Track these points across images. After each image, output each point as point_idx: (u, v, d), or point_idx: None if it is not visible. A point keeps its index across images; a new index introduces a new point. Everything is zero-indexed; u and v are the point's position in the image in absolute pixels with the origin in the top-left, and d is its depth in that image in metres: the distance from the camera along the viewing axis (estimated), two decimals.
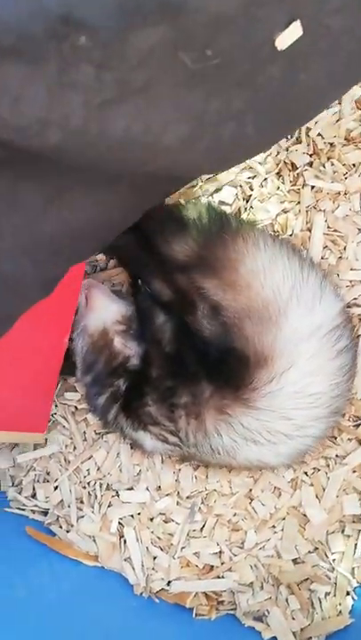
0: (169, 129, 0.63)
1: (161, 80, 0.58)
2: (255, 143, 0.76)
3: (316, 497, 1.16)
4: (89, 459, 1.22)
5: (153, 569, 1.16)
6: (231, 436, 1.04)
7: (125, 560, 1.16)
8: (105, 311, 1.18)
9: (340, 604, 1.14)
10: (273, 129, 0.75)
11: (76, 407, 1.26)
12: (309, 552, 1.16)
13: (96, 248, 0.87)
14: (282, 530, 1.17)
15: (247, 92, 0.64)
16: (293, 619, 1.14)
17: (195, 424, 1.07)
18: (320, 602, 1.15)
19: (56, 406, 1.26)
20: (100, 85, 0.56)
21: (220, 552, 1.17)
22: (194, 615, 1.14)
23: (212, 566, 1.17)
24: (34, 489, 1.23)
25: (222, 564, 1.17)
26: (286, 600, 1.16)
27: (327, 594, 1.15)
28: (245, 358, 1.05)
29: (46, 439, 1.25)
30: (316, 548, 1.16)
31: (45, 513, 1.22)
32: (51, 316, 1.05)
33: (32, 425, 1.15)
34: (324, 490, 1.16)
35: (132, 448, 1.21)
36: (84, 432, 1.24)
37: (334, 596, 1.14)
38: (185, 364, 1.11)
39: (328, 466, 1.17)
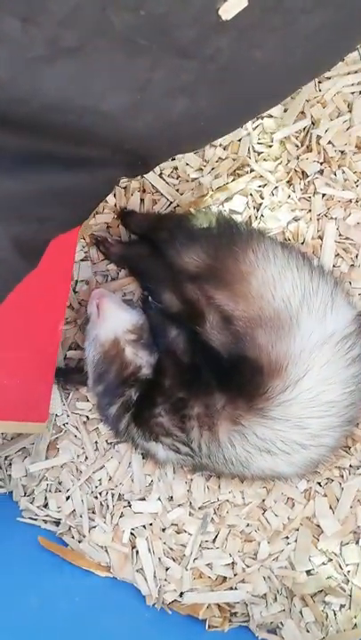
0: (108, 95, 0.63)
1: (95, 43, 0.58)
2: (213, 122, 0.75)
3: (330, 507, 1.15)
4: (101, 468, 1.22)
5: (165, 580, 1.15)
6: (245, 446, 1.04)
7: (138, 571, 1.16)
8: (116, 321, 1.18)
9: (355, 617, 1.12)
10: (231, 108, 0.75)
11: (87, 417, 1.26)
12: (323, 563, 1.15)
13: (68, 219, 0.85)
14: (295, 541, 1.16)
15: (195, 63, 0.64)
16: (308, 631, 1.13)
17: (208, 435, 1.06)
18: (335, 614, 1.14)
19: (68, 416, 1.26)
20: (28, 41, 0.56)
21: (233, 563, 1.16)
22: (207, 627, 1.13)
23: (225, 577, 1.16)
24: (46, 499, 1.23)
25: (235, 575, 1.16)
26: (300, 612, 1.15)
27: (342, 606, 1.14)
28: (259, 367, 1.04)
29: (58, 448, 1.25)
30: (330, 560, 1.15)
31: (57, 523, 1.22)
32: (44, 304, 1.06)
33: (33, 414, 1.14)
34: (337, 500, 1.15)
35: (143, 458, 1.21)
36: (96, 442, 1.24)
37: (349, 608, 1.13)
38: (198, 375, 1.11)
39: (342, 476, 1.16)
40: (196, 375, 1.12)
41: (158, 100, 0.67)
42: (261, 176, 1.26)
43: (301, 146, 1.25)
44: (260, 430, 1.03)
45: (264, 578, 1.16)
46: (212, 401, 1.07)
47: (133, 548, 1.17)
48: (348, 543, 1.14)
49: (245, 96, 0.74)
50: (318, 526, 1.15)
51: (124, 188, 1.32)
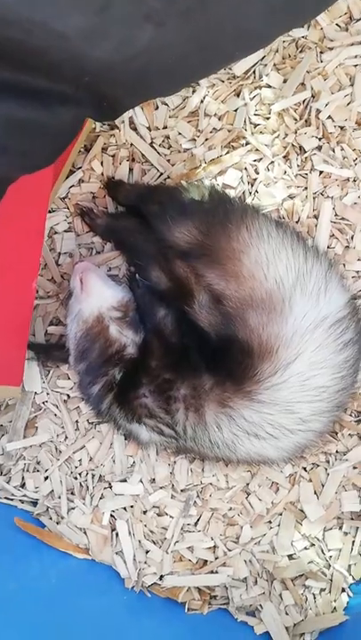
0: (61, 13, 0.60)
1: None
2: (183, 61, 0.71)
3: (315, 493, 1.14)
4: (81, 449, 1.18)
5: (145, 563, 1.13)
6: (232, 429, 1.01)
7: (117, 553, 1.13)
8: (101, 296, 1.13)
9: (334, 601, 1.12)
10: (203, 46, 0.70)
11: (68, 395, 1.21)
12: (305, 548, 1.14)
13: (28, 157, 0.80)
14: (278, 525, 1.15)
15: None
16: (287, 614, 1.13)
17: (194, 417, 1.03)
18: (314, 598, 1.14)
19: (47, 394, 1.21)
20: None
21: (215, 547, 1.15)
22: (186, 610, 1.12)
23: (206, 561, 1.14)
24: (23, 478, 1.19)
25: (216, 558, 1.14)
26: (280, 595, 1.14)
27: (322, 590, 1.13)
28: (249, 350, 1.01)
29: (37, 427, 1.20)
30: (313, 545, 1.14)
31: (35, 503, 1.18)
32: (15, 259, 1.00)
33: (6, 377, 1.09)
34: (322, 486, 1.14)
35: (126, 439, 1.17)
36: (77, 421, 1.20)
37: (329, 592, 1.13)
38: (186, 356, 1.07)
39: (328, 462, 1.15)
40: (184, 356, 1.08)
41: (120, 27, 0.63)
42: (257, 149, 1.21)
43: (300, 119, 1.20)
44: (248, 413, 1.00)
45: (245, 561, 1.14)
46: (200, 382, 1.04)
47: (113, 530, 1.14)
48: (331, 529, 1.14)
49: (219, 33, 0.70)
50: (302, 511, 1.14)
51: (113, 156, 1.25)
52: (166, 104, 1.24)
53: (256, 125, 1.21)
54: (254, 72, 1.22)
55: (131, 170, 1.24)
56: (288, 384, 0.99)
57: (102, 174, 1.25)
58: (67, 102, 0.77)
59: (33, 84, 0.70)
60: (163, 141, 1.25)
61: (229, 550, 1.14)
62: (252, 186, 1.21)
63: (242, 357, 1.02)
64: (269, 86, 1.21)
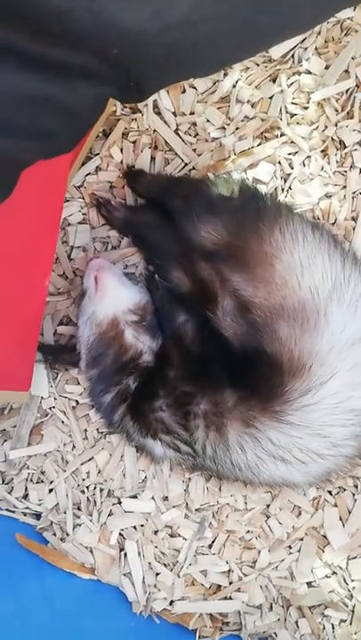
0: None
1: None
2: (217, 38, 0.62)
3: (340, 519, 1.06)
4: (89, 460, 1.10)
5: (155, 586, 1.05)
6: (257, 452, 0.92)
7: (125, 575, 1.06)
8: (116, 298, 1.04)
9: (355, 634, 1.05)
10: (240, 24, 0.62)
11: (77, 401, 1.13)
12: (327, 577, 1.07)
13: (43, 139, 0.72)
14: (298, 551, 1.07)
15: None
16: None
17: (215, 436, 0.94)
18: (333, 628, 1.06)
19: (55, 399, 1.13)
20: None
21: (230, 571, 1.07)
22: (197, 637, 1.04)
23: (220, 586, 1.07)
24: (26, 489, 1.11)
25: (231, 583, 1.07)
26: (296, 623, 1.07)
27: (342, 621, 1.06)
28: (278, 365, 0.92)
29: (43, 435, 1.12)
30: (335, 573, 1.07)
31: (38, 516, 1.10)
32: (27, 256, 0.92)
33: (15, 382, 1.02)
34: (349, 512, 1.06)
35: (138, 451, 1.09)
36: (85, 430, 1.12)
37: (350, 624, 1.05)
38: (207, 367, 0.98)
39: (356, 486, 1.06)
40: (205, 367, 0.99)
41: None
42: (293, 142, 1.10)
43: (342, 111, 1.09)
44: (276, 436, 0.91)
45: (261, 587, 1.07)
46: (222, 398, 0.95)
47: (121, 550, 1.07)
48: (355, 557, 1.06)
49: (271, 4, 0.60)
50: (325, 537, 1.06)
51: (133, 142, 1.15)
52: (195, 87, 1.13)
53: (293, 115, 1.10)
54: (293, 56, 1.10)
55: (153, 158, 1.14)
56: (321, 405, 0.90)
57: (121, 162, 1.15)
58: (89, 78, 0.68)
59: (51, 53, 0.61)
60: (189, 128, 1.14)
61: (245, 575, 1.06)
62: (285, 182, 1.10)
63: (270, 373, 0.93)
64: (309, 72, 1.09)
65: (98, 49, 0.63)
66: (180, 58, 0.67)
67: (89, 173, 1.15)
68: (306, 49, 1.09)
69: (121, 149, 1.15)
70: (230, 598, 1.06)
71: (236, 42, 0.69)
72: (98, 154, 1.15)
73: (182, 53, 0.66)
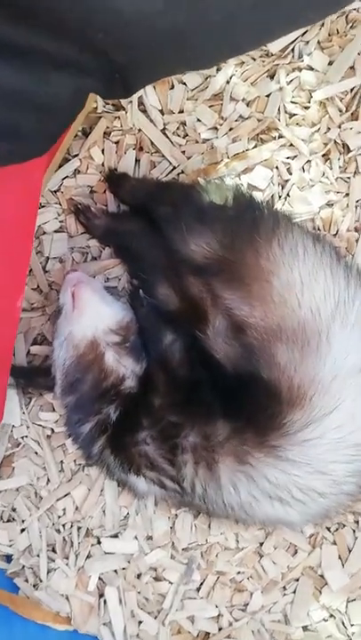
0: None
1: None
2: (232, 15, 0.53)
3: (339, 558, 0.98)
4: (65, 496, 1.00)
5: (138, 637, 0.96)
6: (252, 491, 0.83)
7: (105, 624, 0.96)
8: (96, 316, 0.94)
9: None
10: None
11: (52, 430, 1.02)
12: (324, 620, 0.98)
13: (15, 140, 0.62)
14: (294, 592, 0.98)
15: None
16: None
17: (205, 473, 0.85)
18: None
19: (27, 428, 1.02)
20: None
21: (220, 616, 0.98)
22: None
23: (208, 633, 0.97)
24: None
25: (220, 629, 0.98)
26: None
27: None
28: (276, 393, 0.83)
29: (14, 467, 1.01)
30: (333, 616, 0.98)
31: (9, 558, 0.99)
32: None
33: None
34: (349, 550, 0.97)
35: (119, 486, 0.99)
36: (62, 462, 1.01)
37: None
38: (196, 395, 0.89)
39: (357, 522, 0.98)
40: (195, 394, 0.90)
41: None
42: (292, 145, 1.01)
43: (346, 111, 1.00)
44: (273, 473, 0.82)
45: (253, 632, 0.98)
46: (214, 430, 0.85)
47: (101, 596, 0.96)
48: (355, 599, 0.97)
49: None
50: (322, 577, 0.98)
51: (116, 142, 1.05)
52: (184, 83, 1.03)
53: (292, 115, 1.02)
54: (293, 50, 1.01)
55: (137, 161, 1.05)
56: (323, 440, 0.82)
57: (103, 165, 1.05)
58: (65, 68, 0.58)
59: (17, 36, 0.51)
60: (178, 128, 1.05)
61: (236, 620, 0.97)
62: (283, 188, 1.01)
63: (267, 402, 0.83)
64: (311, 68, 1.00)
65: (78, 33, 0.53)
66: (180, 45, 0.57)
67: (66, 176, 1.05)
68: (308, 42, 1.00)
69: (102, 150, 1.05)
70: None
71: (251, 23, 0.59)
72: (77, 155, 1.05)
73: (182, 39, 0.56)
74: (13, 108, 0.60)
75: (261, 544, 0.98)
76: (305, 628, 0.99)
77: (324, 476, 0.83)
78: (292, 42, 1.00)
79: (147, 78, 0.67)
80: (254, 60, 1.02)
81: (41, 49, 0.55)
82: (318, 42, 1.00)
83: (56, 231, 1.05)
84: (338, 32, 1.00)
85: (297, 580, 0.98)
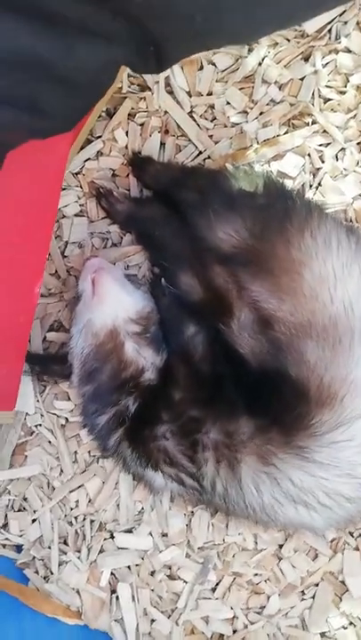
0: None
1: None
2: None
3: None
4: (79, 487, 0.97)
5: (150, 635, 0.93)
6: (275, 494, 0.79)
7: (116, 621, 0.93)
8: (116, 305, 0.90)
9: None
10: None
11: (66, 419, 0.99)
12: (343, 627, 0.95)
13: (33, 114, 0.57)
14: (313, 597, 0.95)
15: None
16: None
17: (226, 472, 0.81)
18: None
19: (42, 416, 0.99)
20: None
21: (235, 617, 0.95)
22: None
23: (222, 635, 0.95)
24: (6, 517, 0.98)
25: (235, 632, 0.95)
26: None
27: None
28: (304, 392, 0.79)
29: (27, 456, 0.98)
30: (353, 624, 0.95)
31: (19, 548, 0.97)
32: (15, 258, 0.79)
33: None
34: None
35: (134, 480, 0.96)
36: (75, 452, 0.99)
37: None
38: (219, 390, 0.85)
39: None
40: (217, 390, 0.86)
41: None
42: (325, 131, 0.96)
43: None
44: (298, 476, 0.78)
45: (269, 636, 0.95)
46: (237, 427, 0.82)
47: (113, 592, 0.94)
48: None
49: None
50: (343, 584, 0.94)
51: (141, 125, 1.01)
52: (214, 64, 0.99)
53: (327, 100, 0.97)
54: (330, 31, 0.97)
55: (163, 144, 1.00)
56: (353, 442, 0.78)
57: (126, 147, 1.01)
58: (93, 36, 0.53)
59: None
60: (205, 111, 1.00)
61: (251, 623, 0.94)
62: (314, 177, 0.97)
63: (294, 401, 0.80)
64: (349, 51, 0.96)
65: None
66: (222, 13, 0.52)
67: (88, 159, 1.01)
68: (346, 23, 0.95)
69: (126, 132, 1.01)
70: None
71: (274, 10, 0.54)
72: (100, 136, 1.00)
73: (225, 6, 0.51)
74: (33, 77, 0.56)
75: (281, 546, 0.95)
76: (323, 635, 0.96)
77: (352, 480, 0.79)
78: (330, 22, 0.95)
79: (183, 52, 0.62)
80: (288, 40, 0.97)
81: (68, 13, 0.51)
82: (357, 22, 0.95)
83: (76, 215, 1.01)
84: None
85: (317, 585, 0.95)
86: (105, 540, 0.95)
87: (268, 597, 0.95)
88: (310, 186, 0.97)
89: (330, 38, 0.96)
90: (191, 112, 1.00)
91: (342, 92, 0.96)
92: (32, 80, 0.54)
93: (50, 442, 0.99)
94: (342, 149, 0.96)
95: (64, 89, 0.58)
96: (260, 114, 0.98)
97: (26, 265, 0.82)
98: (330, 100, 0.96)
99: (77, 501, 0.97)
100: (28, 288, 0.83)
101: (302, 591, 0.95)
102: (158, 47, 0.58)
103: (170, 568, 0.94)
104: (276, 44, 0.97)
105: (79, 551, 0.94)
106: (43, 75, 0.52)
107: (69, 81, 0.57)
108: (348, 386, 0.78)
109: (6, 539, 0.97)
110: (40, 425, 0.99)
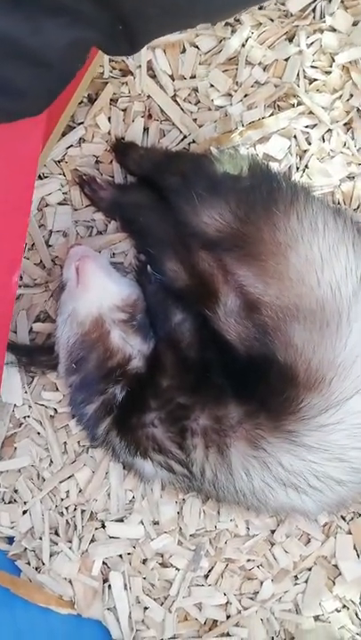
0: None
1: None
2: None
3: (354, 548, 0.94)
4: (69, 478, 0.97)
5: (143, 622, 0.93)
6: (265, 478, 0.79)
7: (109, 610, 0.93)
8: (102, 293, 0.90)
9: None
10: None
11: (55, 410, 0.99)
12: (337, 610, 0.95)
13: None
14: (306, 582, 0.95)
15: None
16: None
17: (215, 458, 0.81)
18: None
19: (30, 407, 0.98)
20: None
21: (228, 603, 0.95)
22: None
23: (216, 621, 0.95)
24: None
25: (228, 617, 0.95)
26: None
27: None
28: (292, 376, 0.79)
29: (16, 448, 0.98)
30: (346, 607, 0.95)
31: (10, 540, 0.97)
32: None
33: None
34: None
35: (124, 468, 0.95)
36: (65, 443, 0.98)
37: None
38: (207, 376, 0.84)
39: None
40: (205, 376, 0.85)
41: None
42: (311, 112, 0.95)
43: None
44: (288, 460, 0.78)
45: (262, 621, 0.95)
46: (225, 412, 0.82)
47: (105, 581, 0.93)
48: None
49: None
50: (336, 567, 0.94)
51: (124, 110, 0.99)
52: (197, 46, 0.97)
53: (312, 81, 0.96)
54: (314, 10, 0.96)
55: (146, 129, 1.00)
56: (341, 426, 0.78)
57: (109, 133, 1.00)
58: (58, 15, 0.52)
59: None
60: (189, 95, 0.99)
61: (245, 608, 0.94)
62: (301, 159, 0.96)
63: (283, 385, 0.79)
64: (334, 30, 0.95)
65: None
66: None
67: (71, 146, 0.99)
68: (330, 1, 0.95)
69: (109, 118, 0.99)
70: (228, 634, 0.94)
71: None
72: (82, 123, 0.99)
73: None
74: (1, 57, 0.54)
75: (273, 532, 0.95)
76: (316, 618, 0.96)
77: (342, 464, 0.79)
78: (314, 1, 0.94)
79: (154, 31, 0.61)
80: (272, 20, 0.95)
81: None
82: (341, 1, 0.94)
83: (60, 203, 1.00)
84: None
85: (309, 569, 0.95)
86: (96, 529, 0.94)
87: (262, 583, 0.95)
88: (297, 168, 0.96)
89: (314, 17, 0.95)
90: (174, 96, 0.99)
91: (328, 72, 0.95)
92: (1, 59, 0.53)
93: (39, 433, 0.98)
94: (329, 131, 0.95)
95: (32, 68, 0.57)
96: (245, 96, 0.97)
97: (1, 255, 0.80)
98: (315, 80, 0.95)
99: (68, 492, 0.96)
100: (6, 277, 0.81)
101: (295, 576, 0.95)
102: (129, 26, 0.56)
103: (162, 556, 0.94)
104: (260, 24, 0.96)
105: (70, 541, 0.94)
106: (9, 52, 0.50)
107: (37, 60, 0.56)
108: (335, 369, 0.77)
109: None
110: (29, 416, 0.99)
